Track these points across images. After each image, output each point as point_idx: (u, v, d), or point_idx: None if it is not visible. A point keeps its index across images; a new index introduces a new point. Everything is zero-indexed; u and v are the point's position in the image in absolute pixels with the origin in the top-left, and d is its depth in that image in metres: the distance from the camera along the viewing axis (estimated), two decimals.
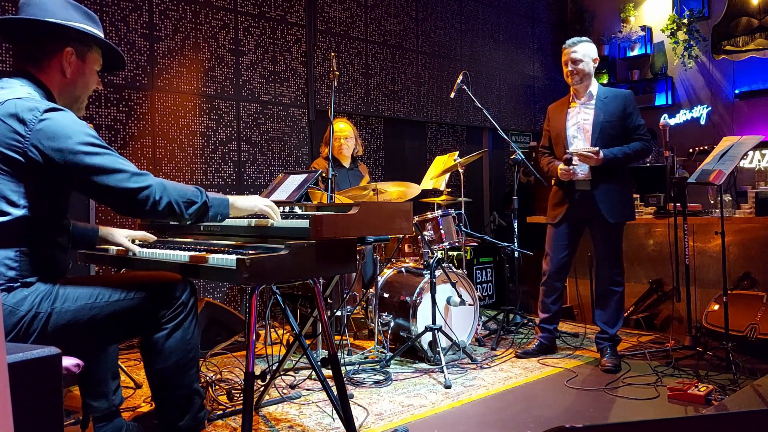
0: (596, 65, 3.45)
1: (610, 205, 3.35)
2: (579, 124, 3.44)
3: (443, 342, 3.45)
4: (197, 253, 1.97)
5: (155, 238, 2.35)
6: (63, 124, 1.67)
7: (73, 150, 1.66)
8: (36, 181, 1.70)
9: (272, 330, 4.00)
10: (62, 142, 1.65)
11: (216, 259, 1.85)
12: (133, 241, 2.25)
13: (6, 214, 1.67)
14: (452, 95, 4.26)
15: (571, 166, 3.36)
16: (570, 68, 3.41)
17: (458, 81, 4.19)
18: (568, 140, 3.46)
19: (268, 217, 2.04)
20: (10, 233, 1.68)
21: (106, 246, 2.24)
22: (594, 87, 3.45)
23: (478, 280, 5.18)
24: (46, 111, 1.67)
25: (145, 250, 2.16)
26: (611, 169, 3.34)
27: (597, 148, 3.27)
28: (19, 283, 1.69)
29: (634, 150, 3.32)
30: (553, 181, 3.62)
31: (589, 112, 3.41)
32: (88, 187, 1.72)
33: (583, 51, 3.39)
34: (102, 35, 1.92)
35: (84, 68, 1.88)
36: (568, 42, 3.46)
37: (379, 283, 3.66)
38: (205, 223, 2.32)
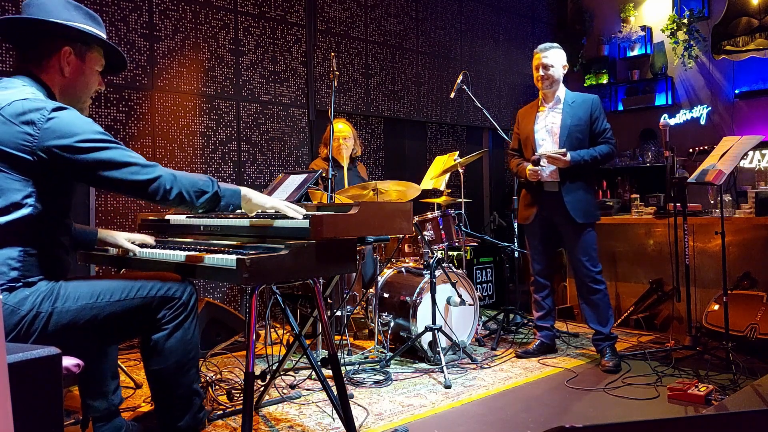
0: (565, 71, 3.53)
1: (578, 206, 3.40)
2: (547, 127, 3.50)
3: (443, 342, 3.45)
4: (194, 253, 1.97)
5: (154, 241, 2.33)
6: (70, 122, 1.70)
7: (82, 146, 1.68)
8: (42, 180, 1.71)
9: (272, 330, 4.00)
10: (71, 139, 1.68)
11: (215, 259, 1.85)
12: (132, 243, 2.25)
13: (11, 213, 1.68)
14: (452, 95, 4.27)
15: (538, 167, 3.42)
16: (541, 73, 3.48)
17: (458, 81, 4.19)
18: (537, 143, 3.52)
19: (287, 216, 1.97)
20: (14, 232, 1.69)
21: (106, 246, 2.25)
22: (562, 92, 3.52)
23: (478, 280, 5.18)
24: (53, 110, 1.69)
25: (144, 250, 2.17)
26: (578, 171, 3.40)
27: (564, 150, 3.33)
28: (21, 283, 1.69)
29: (600, 153, 3.40)
30: (522, 181, 3.65)
31: (557, 116, 3.48)
32: (99, 181, 1.75)
33: (554, 57, 3.47)
34: (104, 36, 1.92)
35: (84, 68, 1.88)
36: (540, 47, 3.53)
37: (379, 283, 3.66)
38: (206, 223, 2.33)
